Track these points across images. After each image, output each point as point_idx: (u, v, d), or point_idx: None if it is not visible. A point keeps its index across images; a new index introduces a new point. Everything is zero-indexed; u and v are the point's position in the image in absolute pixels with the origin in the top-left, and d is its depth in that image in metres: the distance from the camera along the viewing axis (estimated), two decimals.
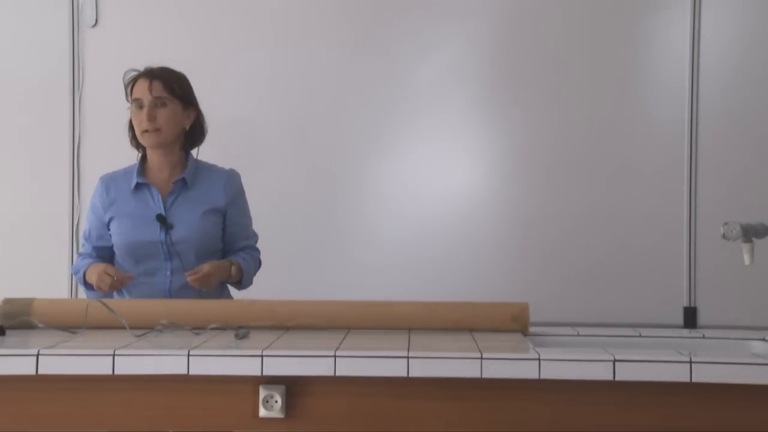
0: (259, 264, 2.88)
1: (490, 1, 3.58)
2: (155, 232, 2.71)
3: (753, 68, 3.50)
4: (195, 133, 2.84)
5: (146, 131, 2.71)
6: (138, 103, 2.71)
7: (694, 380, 1.86)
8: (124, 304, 2.46)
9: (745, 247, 2.29)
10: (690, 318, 3.48)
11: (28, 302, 2.39)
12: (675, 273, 3.51)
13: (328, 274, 3.54)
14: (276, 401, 1.92)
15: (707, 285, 3.49)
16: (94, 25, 3.65)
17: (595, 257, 3.52)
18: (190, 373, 1.90)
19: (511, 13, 3.57)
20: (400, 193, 3.59)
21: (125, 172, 2.82)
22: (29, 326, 2.33)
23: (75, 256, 3.36)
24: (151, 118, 2.69)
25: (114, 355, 1.91)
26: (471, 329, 2.36)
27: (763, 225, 2.29)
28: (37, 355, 1.91)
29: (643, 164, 3.53)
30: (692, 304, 3.49)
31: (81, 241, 2.89)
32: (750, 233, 2.28)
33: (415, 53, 3.59)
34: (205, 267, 2.66)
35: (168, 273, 2.73)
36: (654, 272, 3.50)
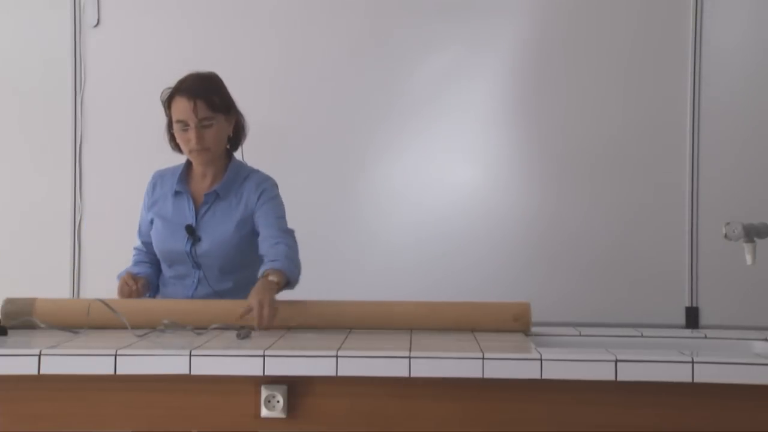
0: (293, 251, 2.60)
1: (493, 1, 3.57)
2: (183, 242, 2.67)
3: (756, 68, 3.50)
4: (238, 135, 2.78)
5: (194, 151, 2.64)
6: (182, 125, 2.61)
7: (696, 380, 1.86)
8: (126, 304, 2.46)
9: (747, 247, 2.29)
10: (692, 318, 3.48)
11: (30, 302, 2.39)
12: (677, 273, 3.50)
13: (329, 275, 3.52)
14: (278, 401, 1.92)
15: (709, 285, 3.49)
16: (96, 25, 3.65)
17: (597, 257, 3.51)
18: (192, 373, 1.91)
19: (513, 14, 3.56)
20: (403, 194, 3.59)
21: (173, 173, 2.76)
22: (31, 326, 2.33)
23: (77, 256, 3.35)
24: (200, 140, 2.61)
25: (116, 355, 1.91)
26: (473, 329, 2.35)
27: (765, 225, 2.29)
28: (39, 355, 1.91)
29: (645, 164, 3.52)
30: (694, 304, 3.49)
31: (136, 235, 2.82)
32: (752, 233, 2.28)
33: (416, 56, 3.59)
34: (254, 303, 2.31)
35: (195, 281, 2.70)
36: (656, 272, 3.50)
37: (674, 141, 3.51)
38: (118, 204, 3.44)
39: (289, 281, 2.50)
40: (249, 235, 2.69)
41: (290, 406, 1.94)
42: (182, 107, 2.60)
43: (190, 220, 2.69)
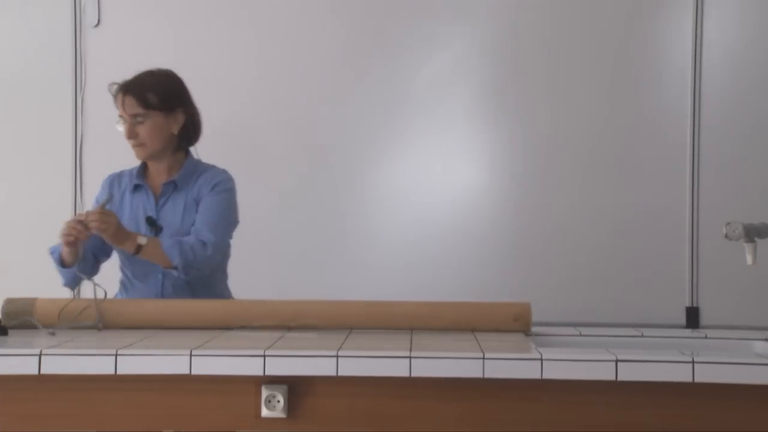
0: (192, 247, 2.60)
1: (493, 1, 3.57)
2: (145, 234, 2.68)
3: (756, 67, 3.50)
4: (188, 133, 2.79)
5: (130, 145, 2.70)
6: (121, 119, 2.69)
7: (696, 380, 1.86)
8: (125, 304, 2.47)
9: (748, 247, 2.29)
10: (692, 318, 3.48)
11: (30, 302, 2.39)
12: (677, 273, 3.50)
13: (330, 275, 3.54)
14: (278, 401, 1.92)
15: (710, 285, 3.49)
16: (97, 25, 3.65)
17: (597, 257, 3.52)
18: (193, 373, 1.91)
19: (513, 14, 3.57)
20: (402, 193, 3.59)
21: (130, 172, 2.83)
22: (31, 326, 2.33)
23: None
24: (132, 135, 2.67)
25: (116, 355, 1.91)
26: (473, 329, 2.35)
27: (765, 225, 2.29)
28: (40, 355, 1.91)
29: (645, 164, 3.53)
30: (694, 304, 3.49)
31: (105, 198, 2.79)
32: (752, 233, 2.28)
33: (416, 55, 3.60)
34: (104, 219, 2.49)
35: (160, 277, 2.71)
36: (656, 272, 3.50)
37: (675, 140, 3.51)
38: None
39: (170, 262, 2.58)
40: None
41: (291, 406, 1.94)
42: (118, 102, 2.68)
43: (151, 211, 2.73)
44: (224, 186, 2.77)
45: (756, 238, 2.28)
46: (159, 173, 2.78)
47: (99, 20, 3.65)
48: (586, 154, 3.54)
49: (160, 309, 2.44)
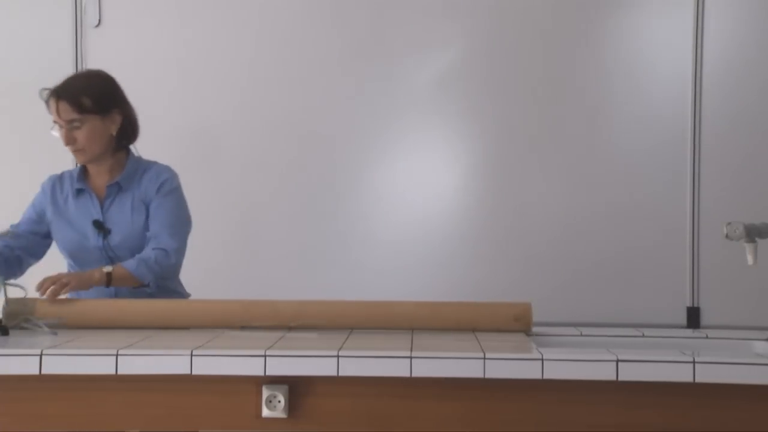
0: (154, 257, 2.61)
1: (488, 3, 3.57)
2: (94, 238, 2.67)
3: (757, 66, 3.50)
4: (126, 133, 2.75)
5: (70, 151, 2.66)
6: (58, 125, 2.63)
7: (697, 380, 1.86)
8: (123, 305, 2.46)
9: (749, 247, 2.28)
10: (693, 318, 3.48)
11: (31, 302, 2.39)
12: (678, 273, 3.50)
13: (330, 275, 3.54)
14: (279, 401, 1.92)
15: (710, 285, 3.49)
16: (98, 26, 3.65)
17: (597, 257, 3.52)
18: (193, 373, 1.91)
19: (510, 12, 3.56)
20: (401, 193, 3.59)
21: (71, 175, 2.78)
22: (33, 326, 2.33)
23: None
24: (70, 141, 2.63)
25: (117, 355, 1.91)
26: (474, 329, 2.35)
27: (766, 225, 2.29)
28: (41, 355, 1.91)
29: (646, 163, 3.52)
30: (695, 305, 3.49)
31: (7, 228, 2.74)
32: (753, 233, 2.28)
33: (414, 56, 3.59)
34: (63, 276, 2.52)
35: None
36: (657, 272, 3.50)
37: (675, 140, 3.51)
38: None
39: (142, 282, 2.61)
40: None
41: (291, 406, 1.94)
42: (52, 108, 2.63)
43: (97, 214, 2.70)
44: (171, 185, 2.74)
45: (757, 238, 2.28)
46: (100, 175, 2.74)
47: (100, 20, 3.65)
48: (587, 153, 3.54)
49: (161, 310, 2.45)
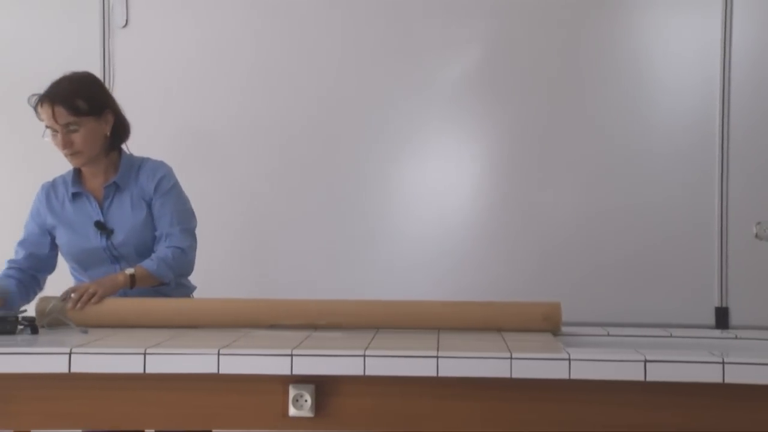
0: (173, 255, 2.65)
1: (509, 3, 3.55)
2: (97, 239, 2.67)
3: None
4: (118, 132, 2.75)
5: (66, 155, 2.65)
6: (51, 130, 2.61)
7: (727, 381, 1.84)
8: (151, 304, 2.48)
9: None
10: (721, 318, 3.45)
11: (61, 301, 2.42)
12: (706, 273, 3.47)
13: (355, 274, 3.53)
14: (306, 400, 1.93)
15: (739, 285, 3.45)
16: (125, 26, 3.67)
17: (624, 256, 3.49)
18: (221, 372, 1.91)
19: (529, 12, 3.54)
20: (427, 192, 3.58)
21: (64, 180, 2.77)
22: (62, 324, 2.36)
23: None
24: (68, 145, 2.62)
25: (145, 354, 1.92)
26: (500, 329, 2.35)
27: None
28: (70, 353, 1.93)
29: (674, 162, 3.49)
30: (724, 305, 3.46)
31: (15, 247, 2.75)
32: None
33: (436, 53, 3.58)
34: (90, 286, 2.52)
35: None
36: (685, 272, 3.47)
37: (703, 139, 3.48)
38: None
39: (163, 281, 2.64)
40: (151, 216, 2.72)
41: (318, 406, 1.94)
42: (46, 113, 2.60)
43: (97, 216, 2.69)
44: (169, 181, 2.75)
45: None
46: (96, 176, 2.73)
47: (127, 21, 3.67)
48: (615, 152, 3.51)
49: (188, 309, 2.46)
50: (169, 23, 3.66)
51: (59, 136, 2.61)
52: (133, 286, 2.57)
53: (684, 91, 3.50)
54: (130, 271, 2.58)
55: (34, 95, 2.63)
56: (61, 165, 2.75)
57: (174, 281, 2.66)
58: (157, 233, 2.70)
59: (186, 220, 2.75)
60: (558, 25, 3.54)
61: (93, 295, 2.48)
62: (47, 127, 2.62)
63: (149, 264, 2.61)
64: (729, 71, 3.46)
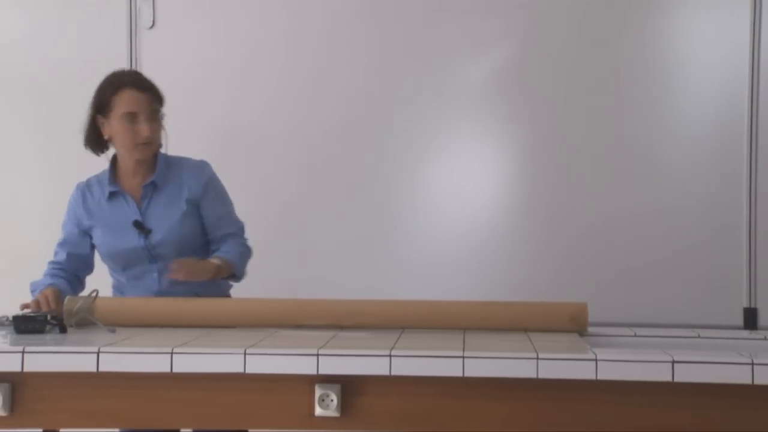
0: (248, 251, 2.77)
1: (534, 2, 3.54)
2: (135, 239, 2.67)
3: None
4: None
5: (140, 144, 2.65)
6: (130, 117, 2.62)
7: (756, 382, 1.83)
8: (179, 303, 2.50)
9: None
10: (750, 319, 3.42)
11: (90, 300, 2.43)
12: (734, 273, 3.44)
13: (380, 273, 3.53)
14: (332, 400, 1.93)
15: None
16: (152, 27, 3.69)
17: (651, 256, 3.47)
18: (247, 371, 1.92)
19: (555, 12, 3.52)
20: (453, 191, 3.57)
21: (98, 180, 2.77)
22: (90, 324, 2.38)
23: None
24: (153, 131, 2.64)
25: (172, 353, 1.93)
26: (526, 329, 2.34)
27: None
28: (98, 353, 1.94)
29: (702, 162, 3.47)
30: (752, 305, 3.43)
31: (55, 248, 2.77)
32: None
33: (461, 53, 3.57)
34: (189, 260, 2.60)
35: (155, 275, 2.69)
36: (713, 272, 3.45)
37: (731, 138, 3.45)
38: None
39: (234, 275, 2.71)
40: (196, 216, 2.74)
41: (344, 405, 1.94)
42: (133, 99, 2.62)
43: (135, 215, 2.69)
44: (217, 181, 2.79)
45: None
46: (134, 175, 2.73)
47: (154, 22, 3.69)
48: (642, 151, 3.49)
49: (215, 308, 2.47)
50: (196, 24, 3.67)
51: (145, 122, 2.62)
52: (215, 276, 2.63)
53: (712, 92, 3.47)
54: (216, 261, 2.63)
55: (107, 83, 2.66)
56: (92, 165, 2.77)
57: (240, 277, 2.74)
58: (218, 233, 2.74)
59: (238, 219, 2.81)
60: (583, 26, 3.52)
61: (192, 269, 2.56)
62: (127, 113, 2.62)
63: (233, 258, 2.68)
64: (758, 71, 3.43)
